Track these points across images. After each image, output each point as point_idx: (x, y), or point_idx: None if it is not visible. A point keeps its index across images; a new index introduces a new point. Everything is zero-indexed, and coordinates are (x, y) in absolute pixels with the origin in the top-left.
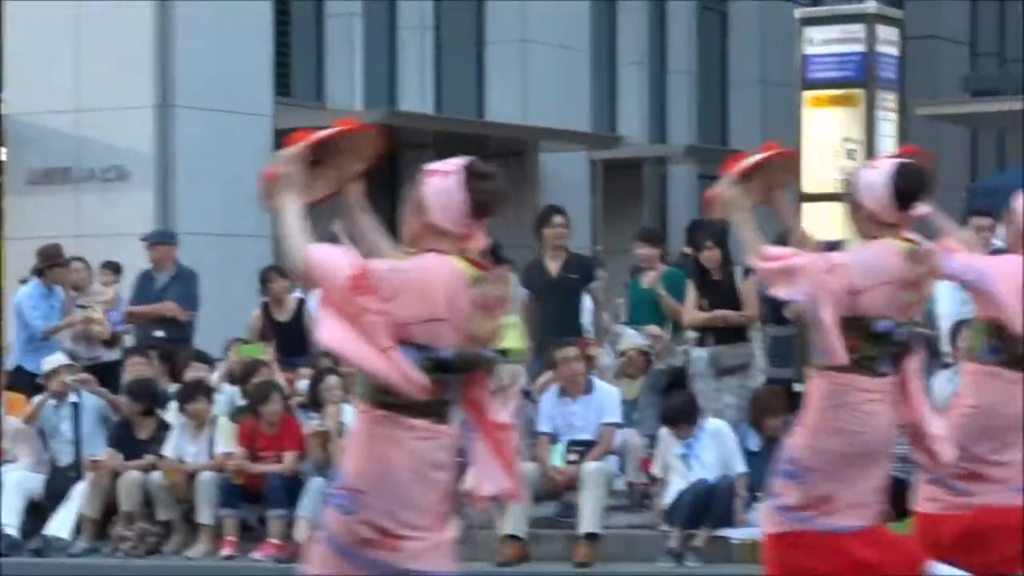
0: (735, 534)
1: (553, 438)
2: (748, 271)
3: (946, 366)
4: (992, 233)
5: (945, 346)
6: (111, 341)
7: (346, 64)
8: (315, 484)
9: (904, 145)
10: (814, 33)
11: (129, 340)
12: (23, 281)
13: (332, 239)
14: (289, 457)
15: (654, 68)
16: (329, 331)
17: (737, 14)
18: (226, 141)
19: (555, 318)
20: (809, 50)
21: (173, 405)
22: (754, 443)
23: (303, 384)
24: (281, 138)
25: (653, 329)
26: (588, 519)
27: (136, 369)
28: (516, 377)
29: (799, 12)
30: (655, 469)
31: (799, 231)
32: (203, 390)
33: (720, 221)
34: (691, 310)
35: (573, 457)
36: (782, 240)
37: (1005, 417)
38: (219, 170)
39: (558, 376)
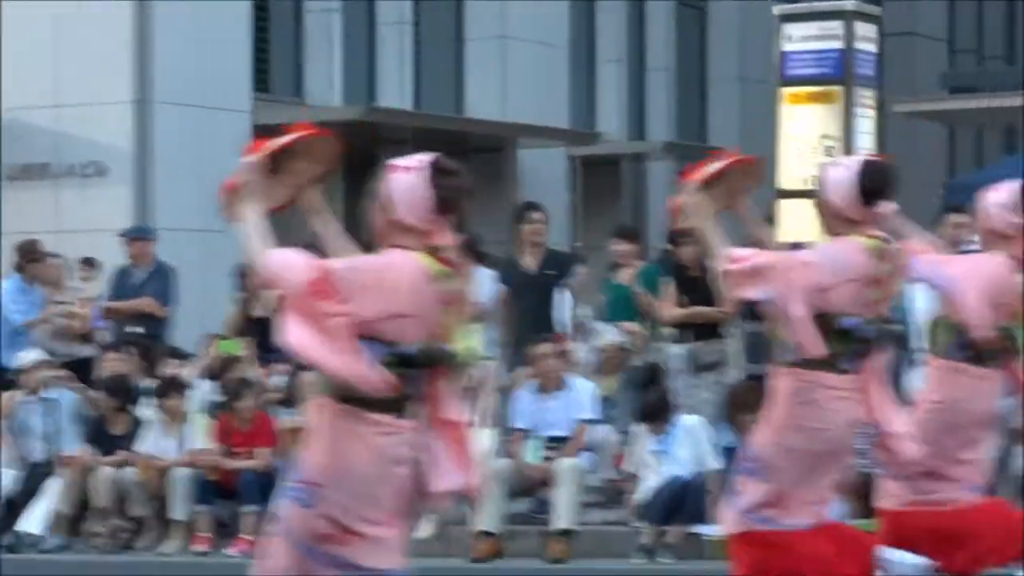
0: (708, 530)
1: (528, 434)
2: None
3: (923, 363)
4: (970, 230)
5: (921, 343)
6: (87, 337)
7: (325, 60)
8: None
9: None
10: (792, 30)
11: (105, 336)
12: None
13: (311, 241)
14: (263, 453)
15: (633, 65)
16: (293, 334)
17: (716, 11)
18: (205, 137)
19: (532, 314)
20: (787, 47)
21: (148, 401)
22: (730, 440)
23: (279, 380)
24: (260, 134)
25: (630, 325)
26: (562, 515)
27: (112, 365)
28: (491, 373)
29: (778, 9)
30: (629, 465)
31: (763, 235)
32: (179, 386)
33: (687, 229)
34: (669, 306)
35: (548, 453)
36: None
37: (970, 413)
38: (197, 166)
39: (534, 372)
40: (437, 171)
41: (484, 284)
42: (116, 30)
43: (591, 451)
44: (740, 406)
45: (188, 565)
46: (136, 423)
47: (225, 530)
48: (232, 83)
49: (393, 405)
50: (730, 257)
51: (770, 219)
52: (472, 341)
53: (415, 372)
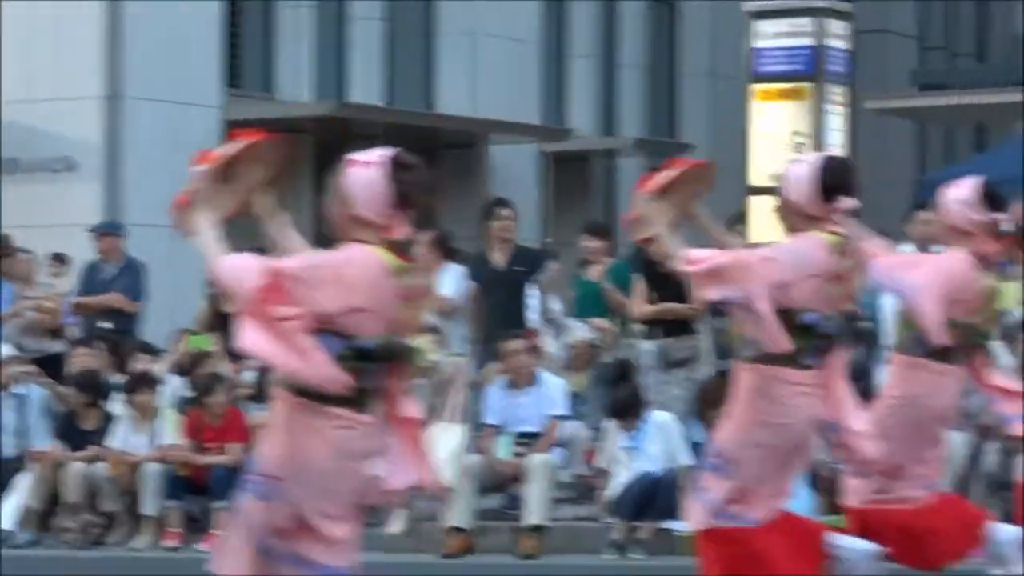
0: (680, 526)
1: (499, 430)
2: None
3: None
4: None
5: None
6: (57, 332)
7: (296, 55)
8: None
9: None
10: (763, 27)
11: (75, 331)
12: None
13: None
14: (234, 449)
15: (604, 61)
16: (250, 336)
17: (687, 7)
18: (175, 132)
19: (501, 310)
20: (758, 44)
21: (119, 396)
22: (701, 435)
23: (250, 375)
24: (231, 129)
25: (600, 322)
26: (534, 511)
27: (82, 360)
28: (461, 369)
29: (748, 5)
30: (600, 461)
31: (721, 236)
32: (149, 381)
33: (646, 240)
34: (639, 303)
35: (519, 449)
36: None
37: (930, 409)
38: (168, 161)
39: (505, 368)
40: (396, 166)
41: (455, 280)
42: (87, 26)
43: (562, 447)
44: (711, 402)
45: (159, 561)
46: (107, 419)
47: (196, 525)
48: (203, 79)
49: (352, 399)
50: (688, 259)
51: (741, 216)
52: (420, 341)
53: (373, 366)
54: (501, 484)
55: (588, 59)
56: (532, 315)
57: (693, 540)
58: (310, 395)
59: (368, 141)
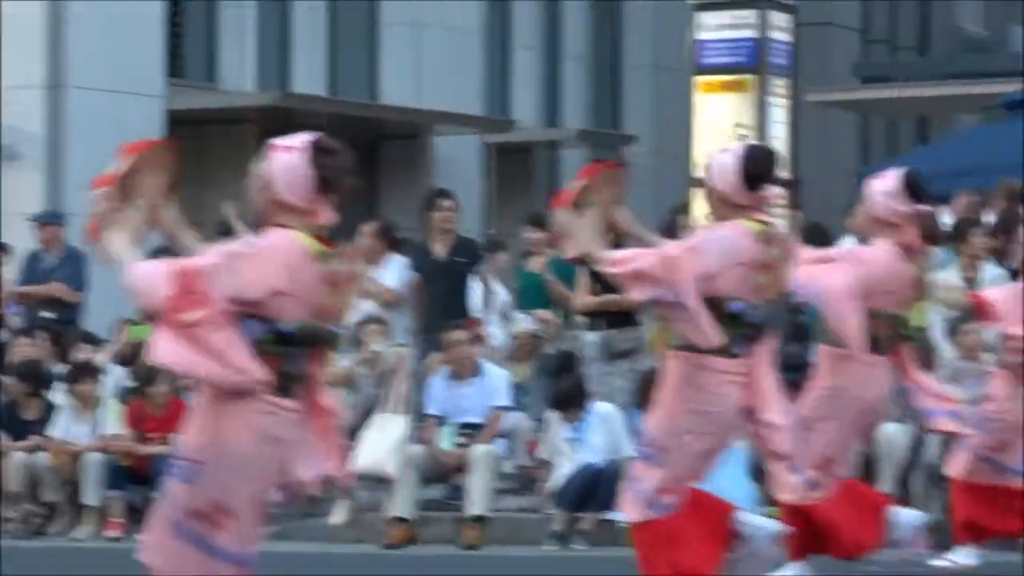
0: (622, 517)
1: (442, 421)
2: None
3: None
4: None
5: None
6: None
7: (239, 45)
8: None
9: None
10: (707, 19)
11: (17, 321)
12: None
13: (225, 226)
14: (176, 439)
15: (547, 52)
16: (161, 348)
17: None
18: (118, 122)
19: (443, 301)
20: (701, 36)
21: (60, 386)
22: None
23: None
24: (174, 119)
25: (542, 313)
26: (476, 502)
27: (23, 350)
28: (404, 360)
29: None
30: (542, 452)
31: (643, 237)
32: (91, 371)
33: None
34: (582, 294)
35: (462, 440)
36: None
37: (860, 401)
38: (110, 151)
39: (447, 359)
40: (318, 150)
41: (398, 271)
42: (29, 14)
43: (505, 438)
44: (653, 393)
45: (101, 551)
46: (48, 408)
47: (138, 516)
48: (145, 68)
49: (276, 385)
50: (614, 261)
51: (685, 207)
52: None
53: (294, 351)
54: (444, 475)
55: (531, 50)
56: (476, 305)
57: (629, 531)
58: None
59: (312, 131)
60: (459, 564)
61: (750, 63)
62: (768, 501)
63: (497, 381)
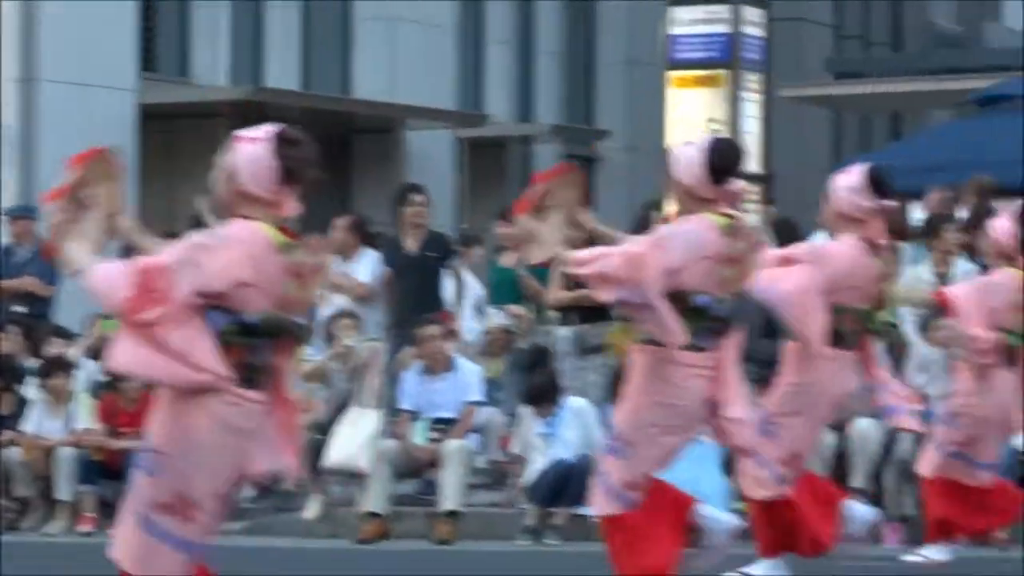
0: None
1: (415, 416)
2: None
3: None
4: None
5: None
6: None
7: (212, 39)
8: None
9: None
10: (680, 14)
11: None
12: None
13: (198, 219)
14: None
15: (521, 47)
16: (119, 353)
17: None
18: (90, 115)
19: (414, 296)
20: (675, 31)
21: (33, 381)
22: None
23: None
24: (146, 113)
25: (515, 308)
26: (449, 497)
27: None
28: (377, 355)
29: None
30: (514, 447)
31: (609, 236)
32: (63, 366)
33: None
34: (555, 289)
35: (435, 435)
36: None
37: (827, 396)
38: (83, 145)
39: (420, 353)
40: (282, 141)
41: (371, 265)
42: (1, 8)
43: (478, 433)
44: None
45: (73, 546)
46: (21, 403)
47: (110, 510)
48: (118, 62)
49: (238, 375)
50: (577, 261)
51: (658, 203)
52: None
53: (258, 342)
54: (417, 470)
55: (505, 45)
56: (449, 299)
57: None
58: None
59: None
60: (432, 559)
61: (723, 58)
62: (741, 496)
63: (470, 376)
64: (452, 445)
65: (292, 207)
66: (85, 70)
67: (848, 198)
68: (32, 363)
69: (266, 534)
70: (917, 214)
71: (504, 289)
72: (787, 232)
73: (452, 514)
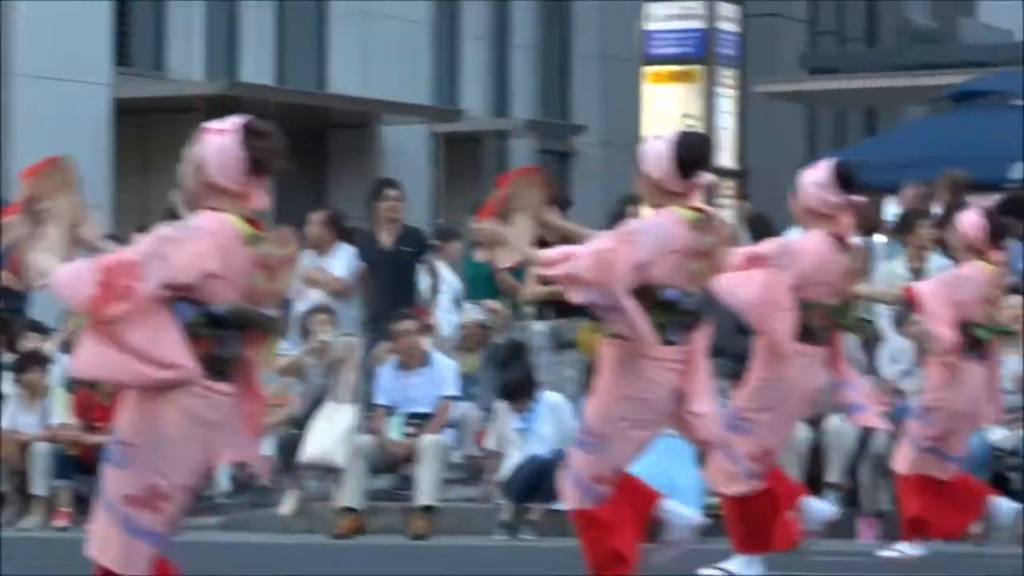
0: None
1: (390, 411)
2: None
3: None
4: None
5: None
6: None
7: (187, 34)
8: None
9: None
10: (655, 9)
11: None
12: None
13: (172, 214)
14: None
15: (496, 42)
16: (83, 359)
17: None
18: (65, 110)
19: (390, 291)
20: (650, 26)
21: (8, 375)
22: None
23: None
24: (121, 107)
25: (491, 303)
26: (425, 492)
27: None
28: (353, 350)
29: None
30: (489, 443)
31: (577, 234)
32: (39, 360)
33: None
34: (532, 284)
35: (410, 430)
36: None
37: (797, 391)
38: (57, 139)
39: (396, 348)
40: (249, 133)
41: (347, 260)
42: None
43: (453, 428)
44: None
45: (49, 541)
46: None
47: (86, 505)
48: (93, 57)
49: (206, 366)
50: (544, 261)
51: (634, 198)
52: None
53: (227, 334)
54: (392, 465)
55: (480, 40)
56: (425, 293)
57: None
58: None
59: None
60: (407, 554)
61: (698, 54)
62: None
63: (446, 371)
64: (428, 440)
65: (260, 199)
66: (60, 65)
67: (815, 194)
68: (7, 358)
69: (242, 529)
70: (892, 210)
71: (480, 284)
72: (761, 227)
73: (428, 509)
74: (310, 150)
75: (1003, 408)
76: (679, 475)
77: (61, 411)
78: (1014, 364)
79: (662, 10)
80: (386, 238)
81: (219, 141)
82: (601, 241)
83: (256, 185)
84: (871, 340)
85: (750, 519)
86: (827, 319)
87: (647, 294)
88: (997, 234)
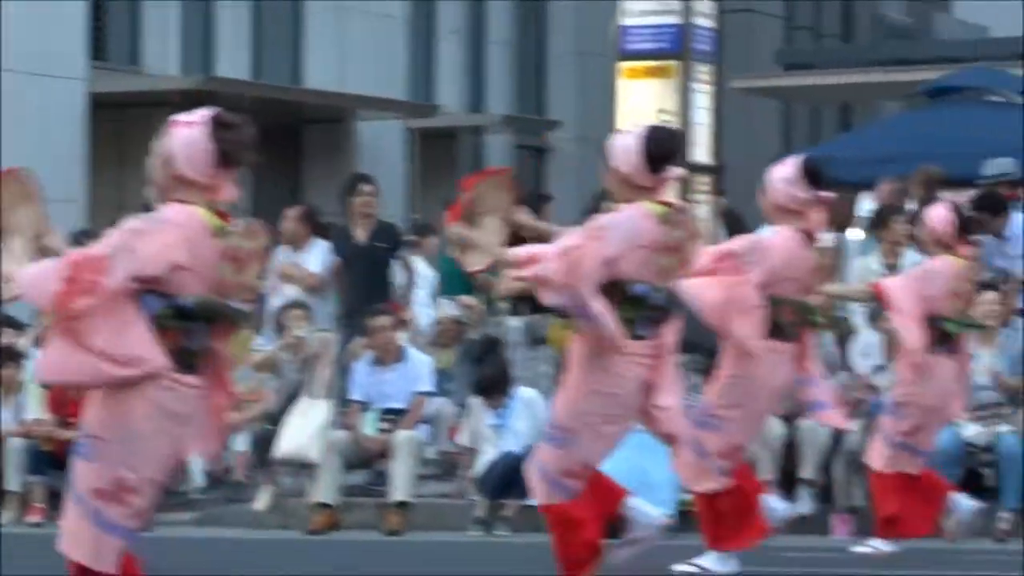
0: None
1: (365, 406)
2: None
3: None
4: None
5: None
6: None
7: (163, 28)
8: None
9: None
10: (631, 5)
11: None
12: None
13: (148, 208)
14: None
15: (472, 37)
16: (44, 365)
17: None
18: (40, 105)
19: (364, 286)
20: (626, 21)
21: None
22: None
23: None
24: (96, 102)
25: (466, 299)
26: (399, 488)
27: None
28: (328, 345)
29: None
30: (463, 439)
31: (547, 232)
32: (13, 356)
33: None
34: (506, 280)
35: (385, 425)
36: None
37: (766, 388)
38: (33, 134)
39: (371, 344)
40: (217, 125)
41: (322, 256)
42: None
43: (428, 424)
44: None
45: (22, 536)
46: None
47: (59, 501)
48: (68, 51)
49: (174, 359)
50: (517, 263)
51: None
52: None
53: (194, 326)
54: (367, 460)
55: (456, 35)
56: (400, 289)
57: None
58: None
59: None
60: (382, 550)
61: (674, 49)
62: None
63: (420, 367)
64: (402, 436)
65: (229, 191)
66: (35, 59)
67: (784, 190)
68: None
69: (216, 525)
70: (867, 206)
71: (455, 280)
72: (735, 223)
73: (402, 505)
74: (285, 145)
75: (969, 402)
76: (653, 470)
77: (35, 407)
78: (988, 359)
79: (638, 6)
80: (361, 234)
81: (187, 133)
82: (569, 239)
83: (225, 177)
84: (845, 335)
85: (721, 516)
86: (797, 316)
87: (616, 289)
88: (966, 228)
